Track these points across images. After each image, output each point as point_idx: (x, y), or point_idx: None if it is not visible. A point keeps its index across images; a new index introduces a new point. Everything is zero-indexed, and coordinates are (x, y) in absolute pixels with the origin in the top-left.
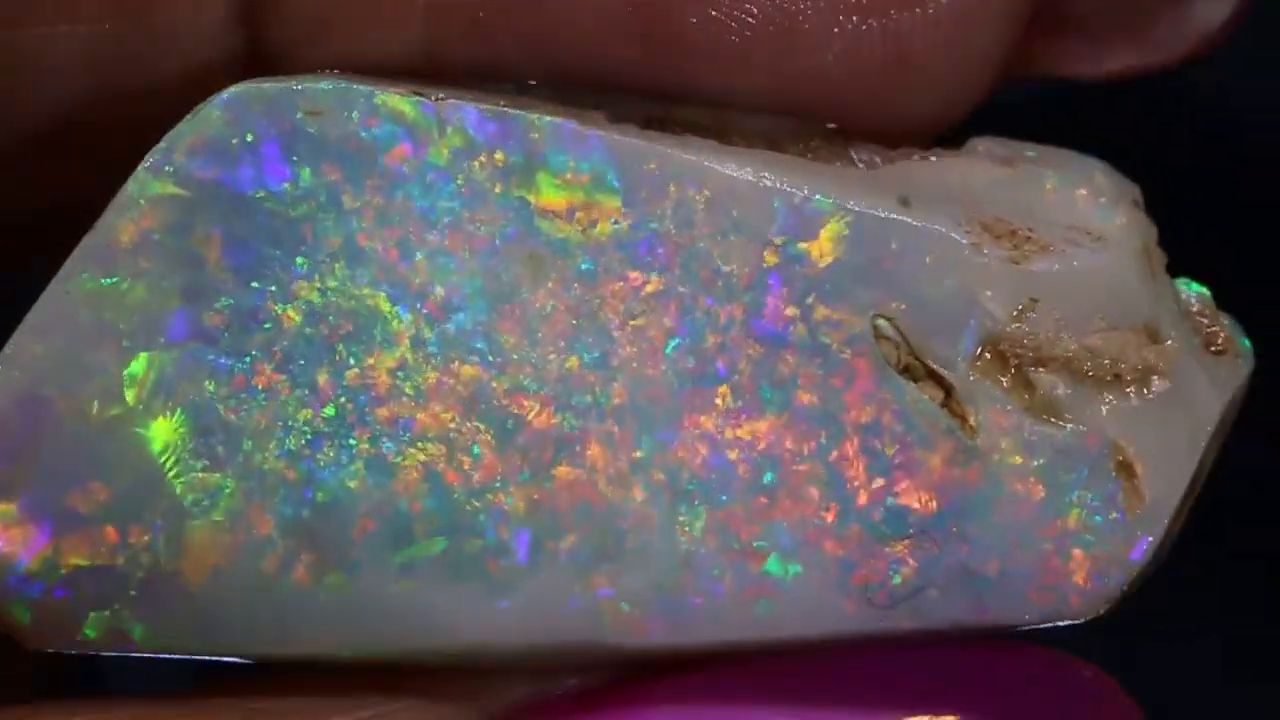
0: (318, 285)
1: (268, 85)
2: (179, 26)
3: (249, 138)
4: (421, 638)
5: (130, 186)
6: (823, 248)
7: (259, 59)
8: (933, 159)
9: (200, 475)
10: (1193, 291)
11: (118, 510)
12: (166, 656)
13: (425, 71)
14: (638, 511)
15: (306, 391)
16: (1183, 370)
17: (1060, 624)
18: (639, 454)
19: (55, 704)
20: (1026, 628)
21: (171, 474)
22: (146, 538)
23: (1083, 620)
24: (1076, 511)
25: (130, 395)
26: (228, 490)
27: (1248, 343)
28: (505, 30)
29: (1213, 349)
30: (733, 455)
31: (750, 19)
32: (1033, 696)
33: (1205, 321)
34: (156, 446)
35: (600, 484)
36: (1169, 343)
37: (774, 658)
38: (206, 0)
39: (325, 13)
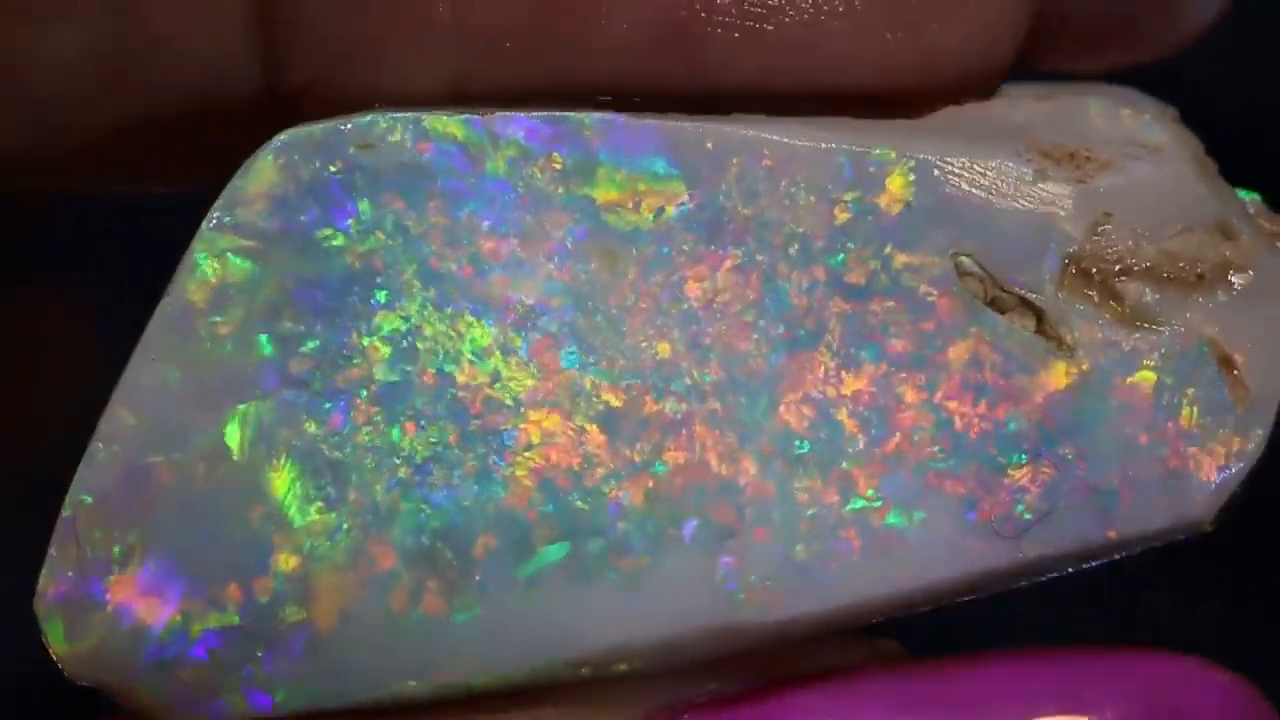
0: (400, 314)
1: (315, 127)
2: (183, 28)
3: (306, 180)
4: (558, 648)
5: (196, 247)
6: (891, 196)
7: (283, 96)
8: (969, 107)
9: (315, 519)
10: (1246, 197)
11: (238, 567)
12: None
13: (455, 101)
14: (753, 484)
15: (406, 419)
16: (1261, 263)
17: (1186, 536)
18: (745, 428)
19: None
20: (1156, 541)
21: (286, 522)
22: (271, 590)
23: (1208, 527)
24: (1186, 411)
25: (234, 450)
26: (345, 529)
27: None
28: (535, 61)
29: (1279, 244)
30: (838, 414)
31: (773, 36)
32: (1172, 701)
33: (1265, 223)
34: (268, 498)
35: (712, 463)
36: (1243, 238)
37: (915, 661)
38: (213, 4)
39: (348, 46)
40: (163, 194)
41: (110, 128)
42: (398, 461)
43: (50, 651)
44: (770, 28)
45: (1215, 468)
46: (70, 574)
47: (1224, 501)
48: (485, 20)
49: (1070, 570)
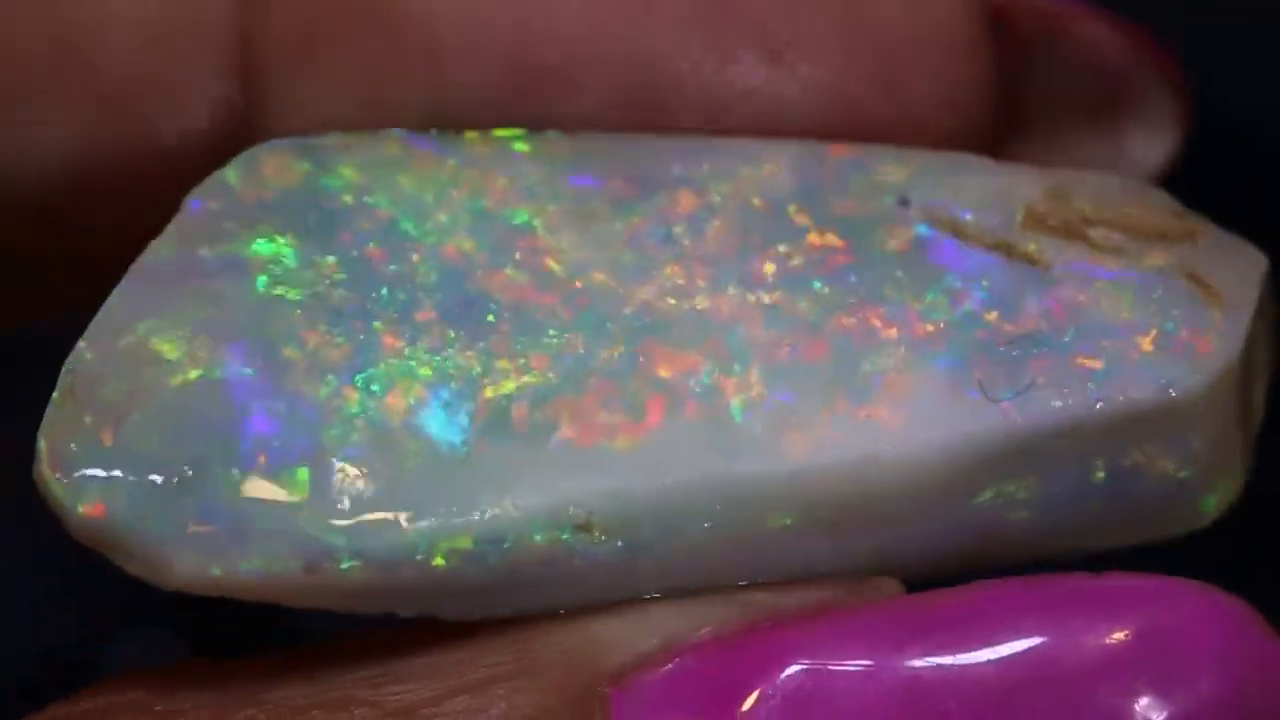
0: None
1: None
2: (168, 129)
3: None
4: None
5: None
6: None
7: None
8: None
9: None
10: None
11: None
12: None
13: None
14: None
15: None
16: (1222, 234)
17: (1175, 404)
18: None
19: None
20: (1147, 405)
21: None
22: None
23: (1200, 406)
24: (1164, 311)
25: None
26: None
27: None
28: (514, 111)
29: None
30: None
31: (736, 78)
32: (1167, 624)
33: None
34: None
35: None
36: (1200, 223)
37: (912, 596)
38: (191, 111)
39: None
40: None
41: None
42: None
43: (59, 515)
44: (739, 109)
45: (1197, 350)
46: (71, 432)
47: (1210, 380)
48: (459, 80)
49: (1062, 491)
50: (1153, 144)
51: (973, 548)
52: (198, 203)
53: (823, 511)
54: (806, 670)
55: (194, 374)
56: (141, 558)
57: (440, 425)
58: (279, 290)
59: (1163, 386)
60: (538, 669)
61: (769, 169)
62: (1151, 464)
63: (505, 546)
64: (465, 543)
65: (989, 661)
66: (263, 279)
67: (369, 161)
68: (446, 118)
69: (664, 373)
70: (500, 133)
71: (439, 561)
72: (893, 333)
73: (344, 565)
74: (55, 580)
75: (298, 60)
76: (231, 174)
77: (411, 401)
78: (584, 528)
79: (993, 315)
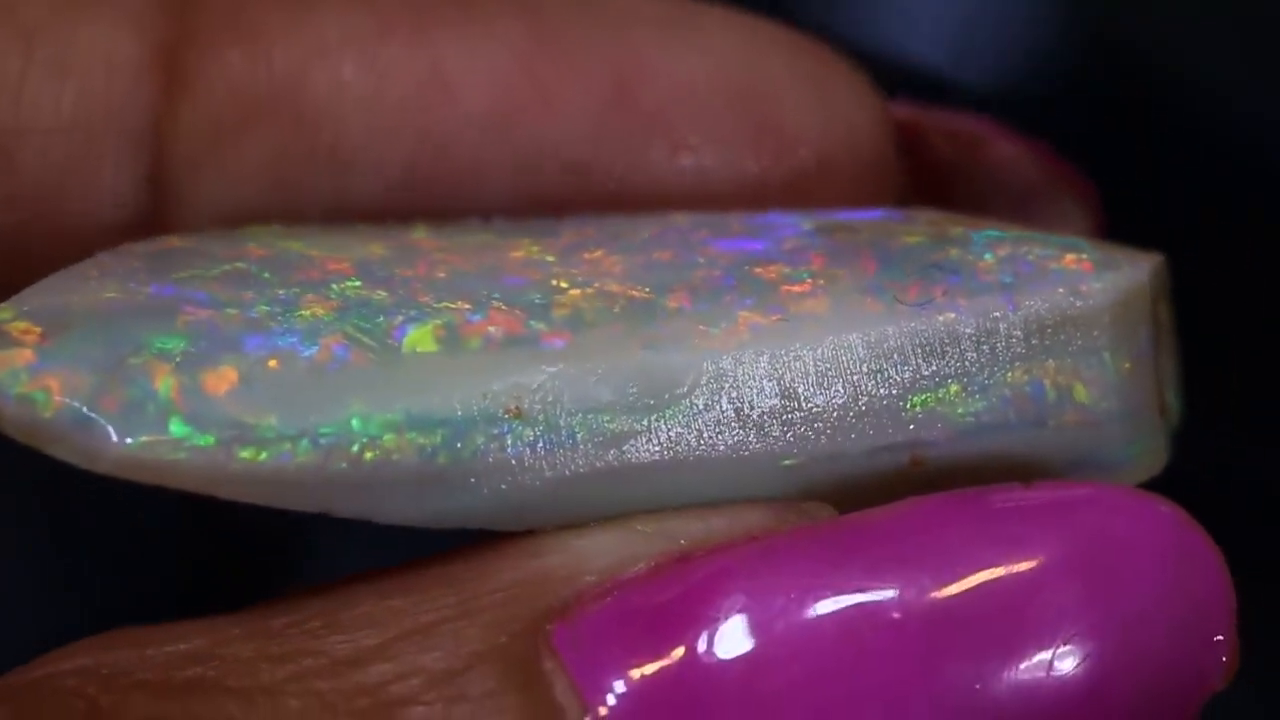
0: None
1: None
2: (81, 217)
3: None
4: None
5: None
6: None
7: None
8: None
9: None
10: None
11: None
12: None
13: None
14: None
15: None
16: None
17: (1084, 311)
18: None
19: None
20: (1057, 309)
21: None
22: None
23: (1108, 305)
24: (1070, 249)
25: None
26: None
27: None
28: (419, 203)
29: None
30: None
31: (645, 170)
32: (1110, 533)
33: None
34: None
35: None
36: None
37: (843, 518)
38: (106, 202)
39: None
40: None
41: None
42: None
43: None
44: (646, 201)
45: (1106, 269)
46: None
47: (1118, 292)
48: (365, 173)
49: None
50: None
51: (904, 481)
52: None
53: (748, 410)
54: (744, 598)
55: (120, 291)
56: (74, 441)
57: (364, 335)
58: (196, 281)
59: (1072, 288)
60: (480, 609)
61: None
62: (1069, 384)
63: (440, 432)
64: (396, 432)
65: (928, 576)
66: (179, 270)
67: (264, 237)
68: (349, 209)
69: (579, 298)
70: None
71: (370, 454)
72: (804, 270)
73: (278, 450)
74: (56, 580)
75: (206, 156)
76: (136, 245)
77: (333, 315)
78: (515, 414)
79: (915, 238)
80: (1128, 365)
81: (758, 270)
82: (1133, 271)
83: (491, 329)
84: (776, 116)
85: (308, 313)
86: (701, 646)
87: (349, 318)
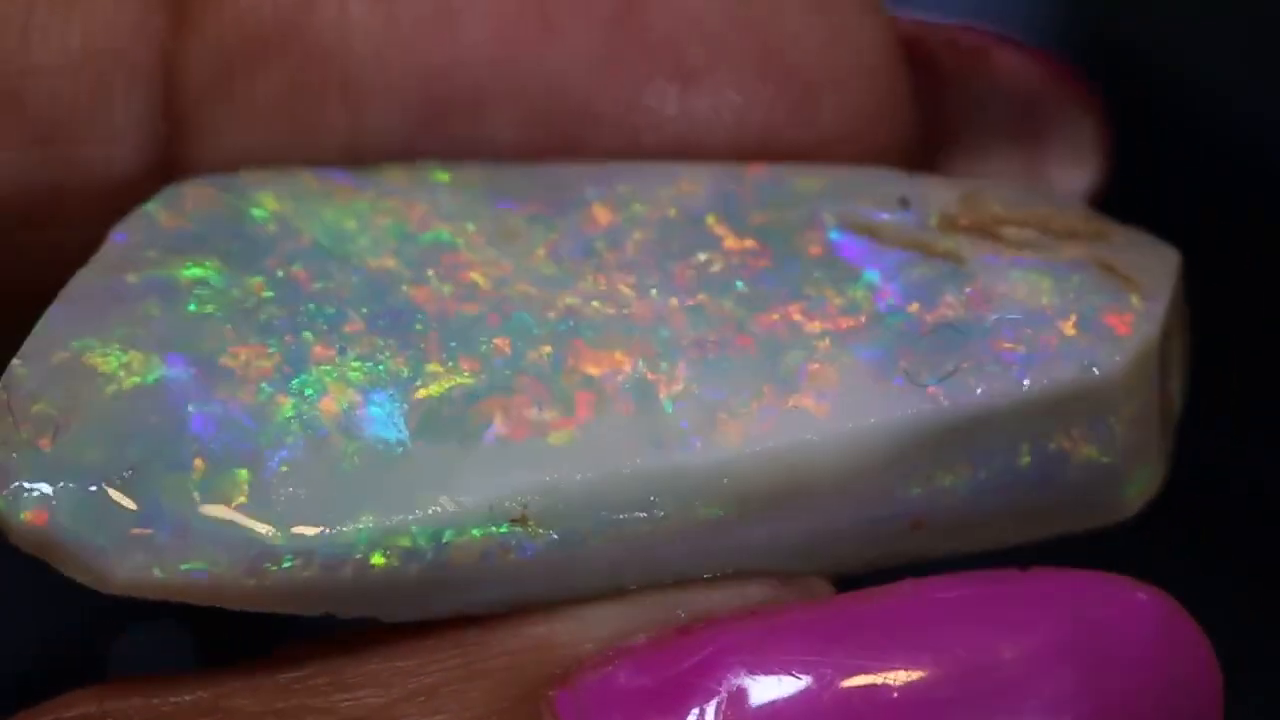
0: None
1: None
2: (94, 158)
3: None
4: None
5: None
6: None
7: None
8: None
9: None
10: None
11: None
12: None
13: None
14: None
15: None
16: (1134, 232)
17: (1098, 384)
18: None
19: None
20: (1070, 385)
21: None
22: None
23: (1121, 386)
24: (1082, 297)
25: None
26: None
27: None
28: (429, 141)
29: None
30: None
31: (649, 103)
32: (1094, 617)
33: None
34: None
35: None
36: (1112, 224)
37: (839, 598)
38: (117, 141)
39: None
40: None
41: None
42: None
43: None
44: (653, 133)
45: (1116, 332)
46: (8, 445)
47: (1130, 360)
48: (375, 111)
49: (1000, 468)
50: (1075, 170)
51: (904, 542)
52: (122, 235)
53: (754, 502)
54: (744, 672)
55: (129, 383)
56: (83, 562)
57: (375, 427)
58: (208, 309)
59: (1085, 366)
60: (484, 672)
61: (686, 186)
62: (1076, 448)
63: (443, 542)
64: (404, 540)
65: (926, 657)
66: (190, 300)
67: (288, 193)
68: (363, 147)
69: (592, 370)
70: (418, 164)
71: (378, 560)
72: (815, 326)
73: (284, 565)
74: (56, 580)
75: (217, 91)
76: (154, 207)
77: (345, 405)
78: (520, 521)
79: (914, 307)
80: (1136, 415)
81: (768, 343)
82: (1148, 327)
83: (502, 431)
84: (782, 38)
85: (328, 406)
86: (702, 718)
87: (368, 410)
